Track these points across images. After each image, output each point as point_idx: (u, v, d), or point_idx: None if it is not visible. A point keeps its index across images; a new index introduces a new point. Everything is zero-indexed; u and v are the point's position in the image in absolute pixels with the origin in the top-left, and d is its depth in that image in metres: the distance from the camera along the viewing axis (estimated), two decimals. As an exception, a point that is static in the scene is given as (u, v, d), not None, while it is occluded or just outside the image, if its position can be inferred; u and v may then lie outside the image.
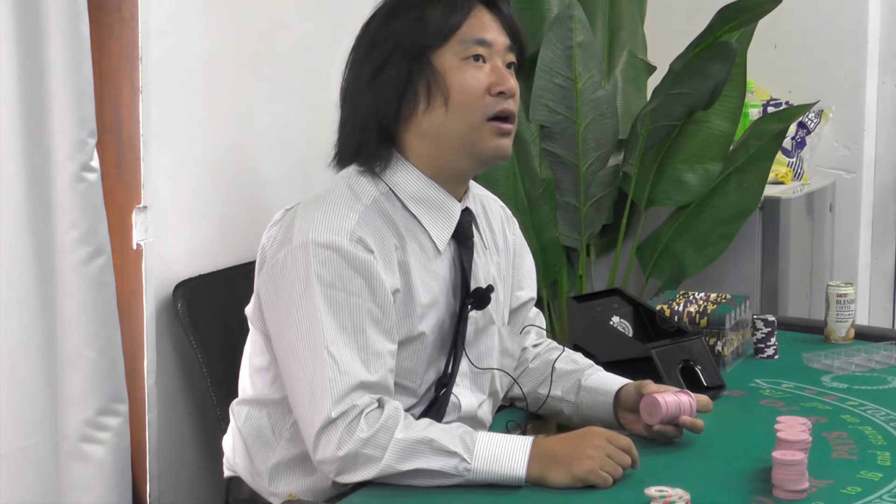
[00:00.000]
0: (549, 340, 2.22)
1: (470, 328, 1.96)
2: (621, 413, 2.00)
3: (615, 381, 2.05)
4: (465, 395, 1.96)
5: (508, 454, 1.75)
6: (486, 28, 1.89)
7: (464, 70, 1.87)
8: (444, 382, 1.92)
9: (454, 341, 1.92)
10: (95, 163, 2.19)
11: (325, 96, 2.80)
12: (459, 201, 1.95)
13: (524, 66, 1.97)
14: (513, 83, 1.89)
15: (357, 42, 1.96)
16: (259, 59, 2.62)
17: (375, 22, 1.93)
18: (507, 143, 1.92)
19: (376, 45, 1.90)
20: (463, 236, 1.95)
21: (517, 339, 2.11)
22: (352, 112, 1.93)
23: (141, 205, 2.34)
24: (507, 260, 2.10)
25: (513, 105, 1.90)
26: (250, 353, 1.99)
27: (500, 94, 1.88)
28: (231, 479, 2.04)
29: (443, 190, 1.92)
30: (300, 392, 1.79)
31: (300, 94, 2.74)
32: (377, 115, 1.89)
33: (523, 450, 1.75)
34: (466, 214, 1.96)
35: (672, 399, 1.89)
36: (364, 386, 1.77)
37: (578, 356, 2.17)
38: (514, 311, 2.13)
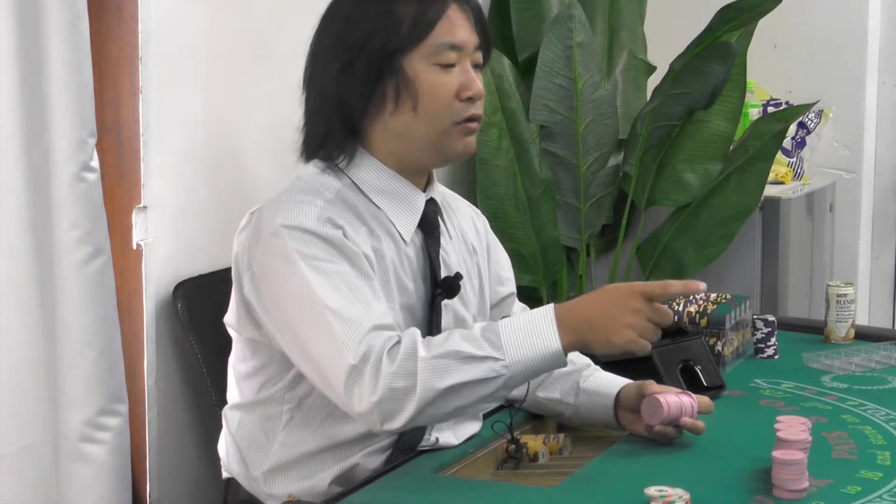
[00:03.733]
0: None
1: (448, 317, 1.96)
2: (621, 413, 2.00)
3: (614, 383, 2.04)
4: None
5: (537, 331, 1.72)
6: (458, 29, 1.87)
7: (434, 76, 1.86)
8: None
9: (429, 332, 1.92)
10: (95, 163, 2.19)
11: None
12: (423, 191, 1.96)
13: (489, 59, 1.96)
14: (480, 88, 1.89)
15: (323, 26, 1.93)
16: (259, 59, 2.62)
17: (344, 9, 1.90)
18: (473, 140, 1.92)
19: (345, 38, 1.88)
20: (429, 226, 1.95)
21: None
22: (318, 102, 1.93)
23: (141, 205, 2.34)
24: (481, 256, 2.10)
25: (480, 108, 1.90)
26: (234, 361, 1.99)
27: (469, 98, 1.88)
28: (229, 479, 2.04)
29: (406, 181, 1.92)
30: (317, 361, 1.76)
31: (300, 94, 2.73)
32: (343, 109, 1.89)
33: (548, 320, 1.72)
34: (431, 205, 1.96)
35: (674, 400, 1.89)
36: (376, 328, 1.74)
37: (575, 355, 2.15)
38: (496, 307, 2.13)
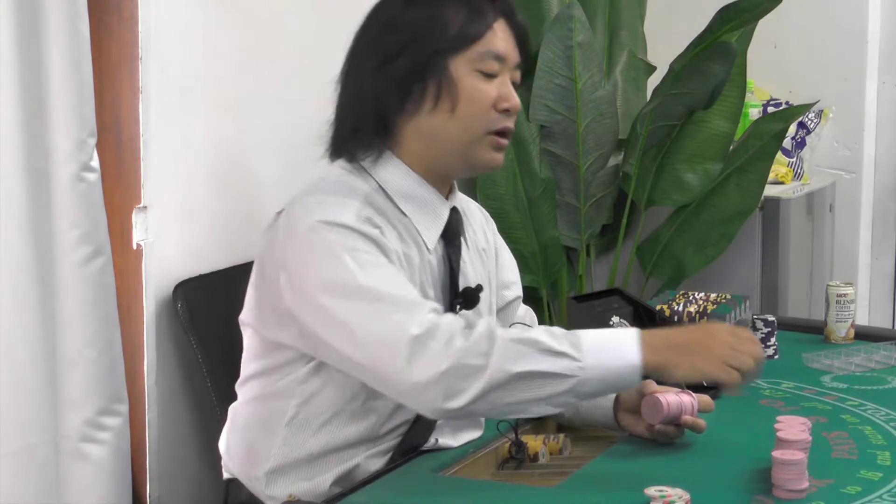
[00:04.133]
0: None
1: None
2: (621, 415, 1.99)
3: None
4: None
5: (618, 343, 1.70)
6: (503, 42, 1.89)
7: (476, 81, 1.86)
8: None
9: None
10: (95, 163, 2.19)
11: (325, 96, 2.81)
12: (446, 199, 1.96)
13: (526, 75, 1.99)
14: (518, 102, 1.90)
15: (367, 23, 1.93)
16: (259, 59, 2.62)
17: (391, 7, 1.91)
18: (501, 156, 1.93)
19: (390, 33, 1.88)
20: (451, 235, 1.95)
21: None
22: (352, 96, 1.92)
23: (141, 205, 2.34)
24: (490, 261, 2.10)
25: (513, 122, 1.91)
26: (245, 359, 1.98)
27: (505, 111, 1.88)
28: (230, 480, 2.04)
29: (431, 188, 1.92)
30: (367, 341, 1.71)
31: (300, 94, 2.73)
32: (378, 104, 1.88)
33: (632, 337, 1.70)
34: (454, 213, 1.96)
35: (674, 399, 1.89)
36: (436, 310, 1.73)
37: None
38: (502, 311, 2.12)
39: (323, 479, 1.87)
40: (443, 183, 1.94)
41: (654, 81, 3.37)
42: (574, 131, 3.26)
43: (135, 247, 2.34)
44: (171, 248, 2.40)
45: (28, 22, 2.12)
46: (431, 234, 1.92)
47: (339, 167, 1.92)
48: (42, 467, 2.23)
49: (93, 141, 2.18)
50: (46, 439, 2.23)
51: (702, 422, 1.91)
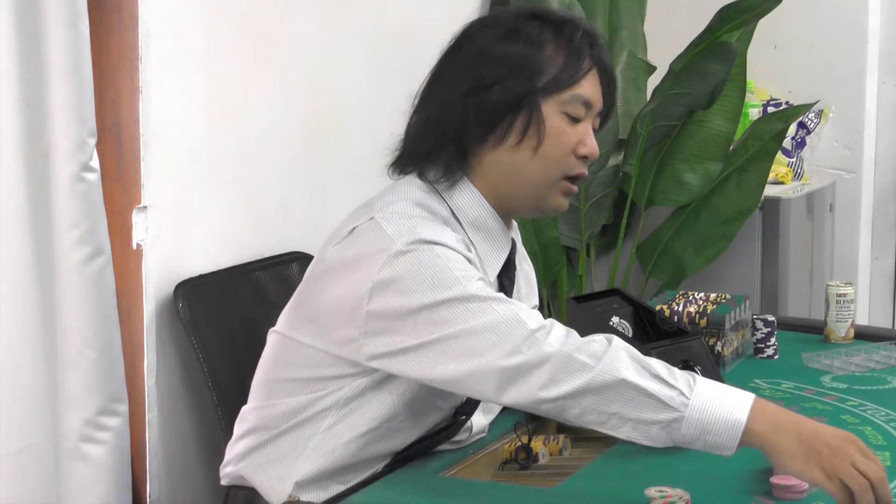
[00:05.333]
0: None
1: None
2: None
3: None
4: (477, 416, 1.95)
5: (731, 397, 1.62)
6: (593, 88, 1.88)
7: (562, 123, 1.86)
8: (467, 411, 1.90)
9: None
10: (95, 163, 2.19)
11: (325, 96, 2.82)
12: (509, 231, 1.95)
13: (607, 122, 1.97)
14: (596, 149, 1.89)
15: (457, 47, 1.91)
16: (259, 59, 2.62)
17: (489, 36, 1.88)
18: (567, 202, 1.92)
19: (485, 63, 1.85)
20: (508, 267, 1.94)
21: None
22: (434, 119, 1.88)
23: (141, 205, 2.34)
24: (525, 283, 2.10)
25: (586, 169, 1.91)
26: (275, 364, 1.91)
27: (584, 157, 1.88)
28: (230, 488, 2.01)
29: (500, 220, 1.91)
30: (483, 340, 1.67)
31: (300, 94, 2.74)
32: (461, 130, 1.85)
33: (747, 397, 1.62)
34: (512, 246, 1.96)
35: None
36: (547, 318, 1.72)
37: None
38: None
39: (336, 488, 1.86)
40: (508, 216, 1.94)
41: (654, 81, 3.38)
42: (574, 131, 3.26)
43: (135, 247, 2.34)
44: (171, 248, 2.40)
45: (28, 22, 2.12)
46: (494, 266, 1.91)
47: (418, 188, 1.89)
48: (42, 467, 2.23)
49: (93, 141, 2.18)
50: (46, 439, 2.23)
51: None
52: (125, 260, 2.34)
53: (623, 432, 1.65)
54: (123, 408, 2.27)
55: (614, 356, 1.65)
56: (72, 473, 2.23)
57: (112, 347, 2.25)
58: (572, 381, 1.64)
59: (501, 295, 1.74)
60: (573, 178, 1.89)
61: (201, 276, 2.44)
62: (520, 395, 1.67)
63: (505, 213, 1.92)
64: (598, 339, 1.67)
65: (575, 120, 1.87)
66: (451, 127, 1.86)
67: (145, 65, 2.31)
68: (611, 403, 1.63)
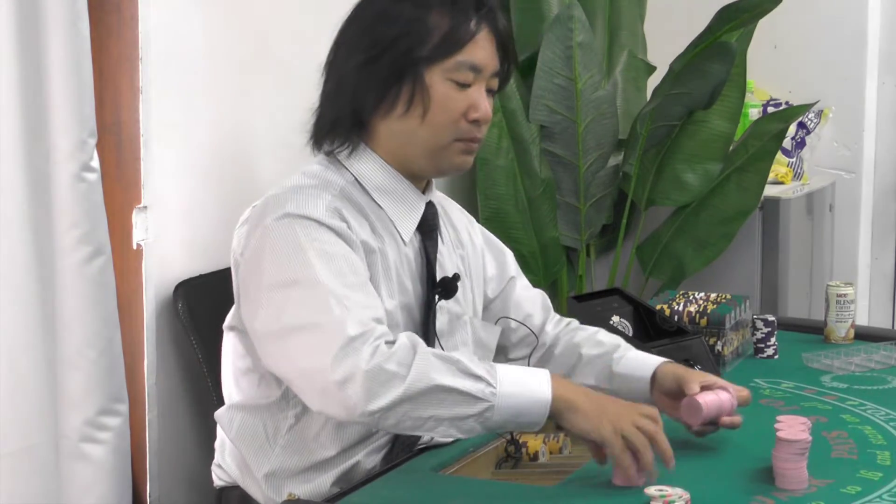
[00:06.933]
0: (563, 319, 2.20)
1: (443, 318, 1.97)
2: (657, 395, 1.98)
3: (647, 363, 2.02)
4: None
5: (532, 378, 1.72)
6: (483, 52, 1.90)
7: (448, 90, 1.88)
8: None
9: (426, 332, 1.92)
10: (95, 163, 2.19)
11: (325, 96, 2.81)
12: (423, 193, 1.97)
13: (508, 81, 1.99)
14: (488, 112, 1.91)
15: (354, 15, 1.95)
16: (259, 59, 2.62)
17: (378, 5, 1.92)
18: (470, 158, 1.95)
19: (373, 33, 1.89)
20: (427, 228, 1.97)
21: (492, 330, 2.10)
22: (333, 89, 1.94)
23: (141, 205, 2.34)
24: (475, 254, 2.11)
25: (483, 131, 1.93)
26: (233, 358, 1.97)
27: (475, 121, 1.90)
28: (223, 489, 2.03)
29: (407, 183, 1.94)
30: (304, 336, 1.71)
31: (300, 93, 2.72)
32: (355, 100, 1.90)
33: (543, 373, 1.73)
34: (430, 207, 1.99)
35: (712, 399, 1.88)
36: (377, 319, 1.73)
37: (603, 334, 2.13)
38: (503, 293, 2.14)
39: (323, 481, 1.88)
40: (418, 179, 1.97)
41: (654, 81, 3.37)
42: (574, 131, 3.26)
43: (135, 247, 2.34)
44: (171, 248, 2.40)
45: (28, 22, 2.12)
46: (407, 226, 1.94)
47: (318, 163, 1.95)
48: (42, 467, 2.23)
49: (93, 141, 2.18)
50: (46, 439, 2.23)
51: (738, 419, 1.90)
52: (125, 260, 2.34)
53: (439, 432, 1.70)
54: (123, 408, 2.27)
55: (423, 360, 1.68)
56: (72, 473, 2.23)
57: (112, 347, 2.25)
58: (389, 392, 1.66)
59: (348, 286, 1.74)
60: (469, 140, 1.91)
61: (201, 276, 2.44)
62: (343, 409, 1.68)
63: (410, 175, 1.95)
64: (404, 342, 1.69)
65: (463, 85, 1.88)
66: (347, 97, 1.90)
67: (145, 65, 2.31)
68: (426, 408, 1.68)
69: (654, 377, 1.99)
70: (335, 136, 1.93)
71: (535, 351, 2.12)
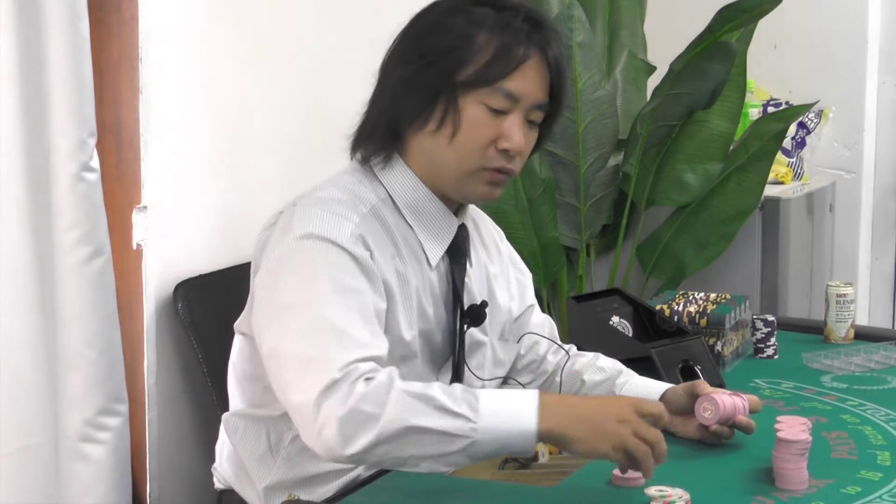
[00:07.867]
0: (561, 347, 2.15)
1: (466, 343, 1.94)
2: (669, 418, 1.87)
3: (653, 388, 1.99)
4: None
5: (516, 408, 1.64)
6: (526, 81, 1.82)
7: (480, 114, 1.82)
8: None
9: (455, 359, 1.90)
10: (95, 163, 2.19)
11: (325, 96, 2.81)
12: (456, 215, 1.93)
13: (557, 117, 1.91)
14: (520, 143, 1.83)
15: (410, 24, 1.90)
16: (259, 59, 2.62)
17: (435, 15, 1.87)
18: (497, 191, 1.88)
19: (422, 43, 1.85)
20: (457, 251, 1.92)
21: (511, 348, 2.07)
22: (377, 96, 1.90)
23: (141, 205, 2.34)
24: (503, 269, 2.08)
25: (515, 164, 1.86)
26: (237, 360, 1.95)
27: (505, 151, 1.83)
28: (223, 492, 2.03)
29: (440, 203, 1.90)
30: (296, 368, 1.68)
31: (300, 94, 2.74)
32: (393, 110, 1.86)
33: (531, 402, 1.63)
34: (462, 229, 1.94)
35: (728, 399, 1.89)
36: (370, 358, 1.69)
37: (603, 360, 2.10)
38: (520, 319, 2.11)
39: (324, 493, 1.87)
40: (446, 199, 1.91)
41: (654, 81, 3.38)
42: (574, 131, 3.26)
43: (135, 247, 2.34)
44: (171, 248, 2.40)
45: (28, 22, 2.12)
46: (436, 249, 1.90)
47: (352, 169, 1.91)
48: (42, 467, 2.23)
49: (93, 141, 2.18)
50: (46, 439, 2.23)
51: (753, 423, 1.88)
52: (125, 260, 2.34)
53: (424, 468, 1.65)
54: (123, 408, 2.27)
55: (397, 401, 1.62)
56: (72, 473, 2.23)
57: (112, 347, 2.25)
58: (364, 435, 1.61)
59: (352, 323, 1.70)
60: (496, 170, 1.85)
61: (201, 276, 2.44)
62: (324, 451, 1.65)
63: (441, 195, 1.90)
64: (381, 380, 1.64)
65: (498, 112, 1.82)
66: (386, 108, 1.87)
67: (145, 65, 2.31)
68: (404, 448, 1.63)
69: (663, 400, 1.94)
70: (371, 143, 1.89)
71: (536, 379, 2.11)
